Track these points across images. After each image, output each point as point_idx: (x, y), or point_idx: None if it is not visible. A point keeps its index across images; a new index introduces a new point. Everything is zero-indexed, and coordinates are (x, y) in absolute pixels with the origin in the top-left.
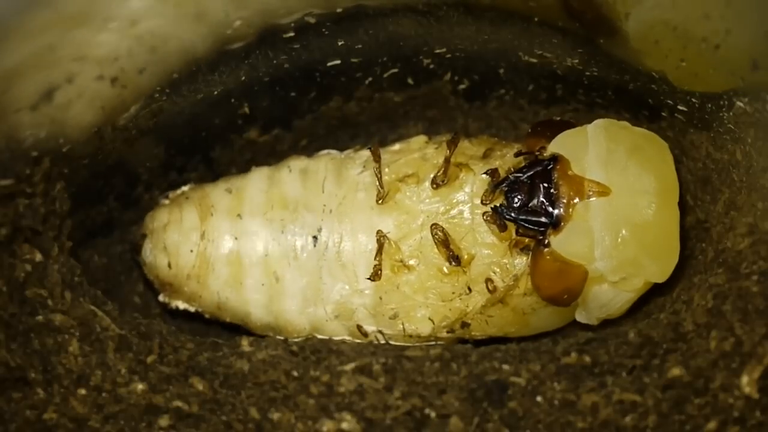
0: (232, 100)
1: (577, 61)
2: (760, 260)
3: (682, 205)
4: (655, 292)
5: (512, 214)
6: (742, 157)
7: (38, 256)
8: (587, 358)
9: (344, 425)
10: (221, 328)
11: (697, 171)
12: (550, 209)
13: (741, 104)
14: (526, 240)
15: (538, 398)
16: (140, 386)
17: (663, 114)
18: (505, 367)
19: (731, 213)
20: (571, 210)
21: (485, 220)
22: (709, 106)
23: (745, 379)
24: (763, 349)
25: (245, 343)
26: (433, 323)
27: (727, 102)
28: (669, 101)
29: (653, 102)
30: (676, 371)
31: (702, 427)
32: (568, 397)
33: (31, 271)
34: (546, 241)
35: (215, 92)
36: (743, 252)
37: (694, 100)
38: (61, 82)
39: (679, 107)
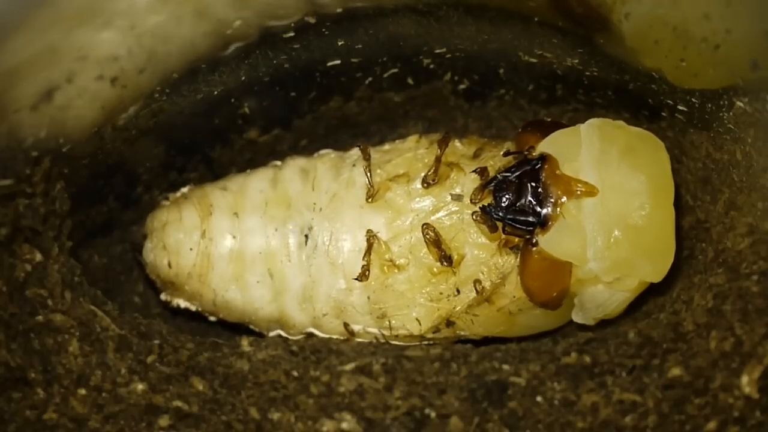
0: (232, 100)
1: (577, 61)
2: (760, 260)
3: (682, 205)
4: (655, 292)
5: (500, 214)
6: (742, 157)
7: (38, 256)
8: (587, 358)
9: (344, 425)
10: (221, 328)
11: (697, 171)
12: (538, 208)
13: (741, 104)
14: (516, 240)
15: (538, 398)
16: (140, 386)
17: (663, 114)
18: (505, 367)
19: (731, 213)
20: (558, 209)
21: (475, 220)
22: (709, 106)
23: (745, 379)
24: (763, 349)
25: (245, 343)
26: (421, 323)
27: (727, 102)
28: (669, 101)
29: (653, 102)
30: (676, 371)
31: (702, 427)
32: (568, 397)
33: (31, 271)
34: (534, 240)
35: (215, 92)
36: (743, 252)
37: (693, 99)
38: (61, 82)
39: (679, 107)
